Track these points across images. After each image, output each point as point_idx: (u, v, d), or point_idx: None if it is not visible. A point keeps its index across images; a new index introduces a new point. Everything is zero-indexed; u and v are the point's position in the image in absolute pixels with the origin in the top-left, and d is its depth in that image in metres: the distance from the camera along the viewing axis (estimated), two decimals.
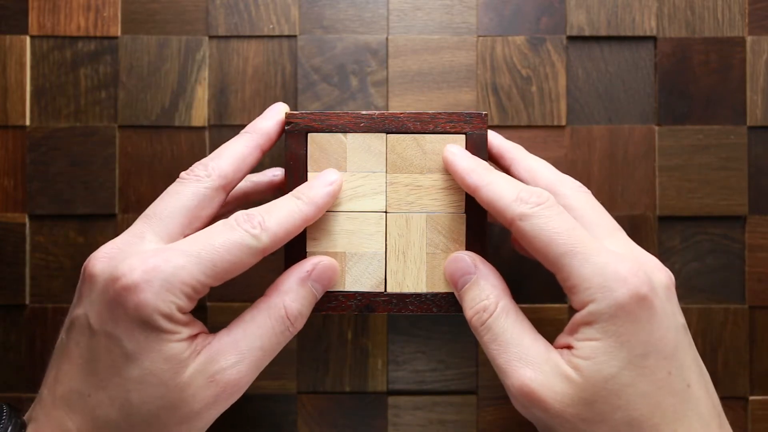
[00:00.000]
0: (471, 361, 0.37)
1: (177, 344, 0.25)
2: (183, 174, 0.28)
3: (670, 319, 0.26)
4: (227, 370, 0.26)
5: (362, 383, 0.37)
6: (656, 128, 0.37)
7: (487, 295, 0.27)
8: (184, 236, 0.27)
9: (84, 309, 0.26)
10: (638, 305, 0.25)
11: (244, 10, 0.37)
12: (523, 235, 0.26)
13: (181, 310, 0.25)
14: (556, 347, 0.27)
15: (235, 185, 0.29)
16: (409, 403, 0.37)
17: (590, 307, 0.25)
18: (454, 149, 0.29)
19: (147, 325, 0.25)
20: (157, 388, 0.25)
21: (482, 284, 0.28)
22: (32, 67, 0.37)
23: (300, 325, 0.27)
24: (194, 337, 0.26)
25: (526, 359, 0.26)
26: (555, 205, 0.26)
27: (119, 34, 0.37)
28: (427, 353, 0.37)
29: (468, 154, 0.29)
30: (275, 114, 0.30)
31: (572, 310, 0.26)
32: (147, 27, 0.37)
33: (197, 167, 0.28)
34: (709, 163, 0.37)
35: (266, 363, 0.27)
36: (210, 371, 0.25)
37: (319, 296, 0.28)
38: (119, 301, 0.25)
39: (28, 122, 0.37)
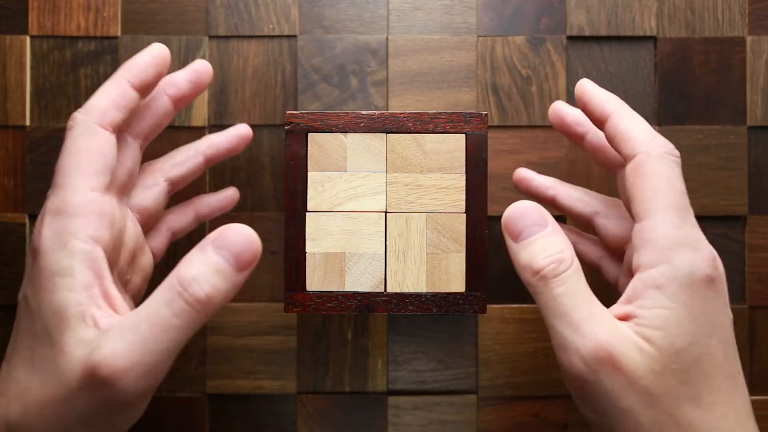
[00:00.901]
0: (471, 361, 0.37)
1: (66, 294, 0.24)
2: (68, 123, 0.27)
3: (727, 309, 0.26)
4: (101, 348, 0.23)
5: (362, 383, 0.37)
6: (656, 128, 0.37)
7: (562, 248, 0.26)
8: (91, 187, 0.26)
9: None
10: (708, 285, 0.25)
11: (244, 10, 0.37)
12: (639, 171, 0.26)
13: (74, 235, 0.24)
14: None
15: (122, 122, 0.28)
16: (409, 403, 0.37)
17: (663, 268, 0.25)
18: (587, 82, 0.29)
19: (41, 268, 0.24)
20: (49, 348, 0.24)
21: (555, 237, 0.26)
22: (32, 67, 0.37)
23: (199, 292, 0.23)
24: (103, 293, 0.24)
25: (600, 321, 0.25)
26: (680, 165, 0.27)
27: (119, 34, 0.37)
28: (427, 353, 0.37)
29: (600, 88, 0.29)
30: (150, 49, 0.29)
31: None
32: (147, 27, 0.37)
33: (75, 113, 0.27)
34: (709, 163, 0.37)
35: (159, 344, 0.23)
36: (90, 348, 0.23)
37: (231, 266, 0.24)
38: (31, 260, 0.25)
39: (28, 122, 0.37)
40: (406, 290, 0.30)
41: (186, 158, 0.32)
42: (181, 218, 0.33)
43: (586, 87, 0.29)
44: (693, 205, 0.36)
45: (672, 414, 0.24)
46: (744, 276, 0.37)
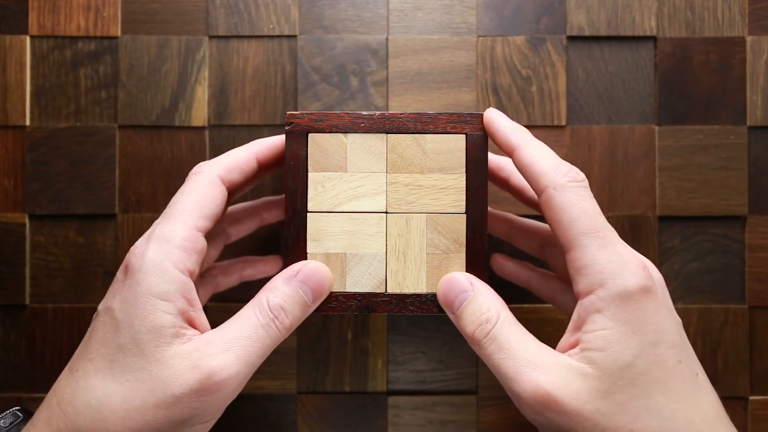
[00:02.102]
0: (471, 361, 0.37)
1: (165, 315, 0.25)
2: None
3: (672, 313, 0.26)
4: (212, 358, 0.25)
5: (362, 383, 0.37)
6: (656, 128, 0.37)
7: (488, 308, 0.27)
8: (198, 227, 0.28)
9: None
10: (645, 296, 0.25)
11: (244, 10, 0.37)
12: (551, 205, 0.27)
13: (175, 265, 0.26)
14: (561, 351, 0.27)
15: (235, 183, 0.30)
16: (409, 403, 0.37)
17: (600, 293, 0.25)
18: (494, 112, 0.29)
19: (139, 285, 0.26)
20: (137, 359, 0.25)
21: (481, 299, 0.28)
22: (32, 67, 0.37)
23: (286, 321, 0.27)
24: (188, 320, 0.26)
25: (536, 363, 0.26)
26: (588, 187, 0.27)
27: (119, 34, 0.37)
28: (427, 353, 0.37)
29: (508, 118, 0.29)
30: (280, 137, 0.31)
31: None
32: (147, 27, 0.37)
33: (203, 163, 0.30)
34: (709, 163, 0.37)
35: (256, 358, 0.26)
36: (194, 358, 0.25)
37: (309, 300, 0.28)
38: (123, 275, 0.26)
39: (28, 122, 0.37)
40: (406, 290, 0.30)
41: (246, 216, 0.34)
42: (227, 279, 0.35)
43: (493, 118, 0.29)
44: (693, 205, 0.37)
45: (632, 429, 0.24)
46: (744, 276, 0.37)
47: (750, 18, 0.37)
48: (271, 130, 0.37)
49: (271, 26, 0.37)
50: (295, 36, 0.37)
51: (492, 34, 0.37)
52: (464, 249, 0.30)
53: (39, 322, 0.37)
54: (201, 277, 0.33)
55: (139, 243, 0.27)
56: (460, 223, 0.30)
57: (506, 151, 0.29)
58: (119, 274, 0.27)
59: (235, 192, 0.31)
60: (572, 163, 0.36)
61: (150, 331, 0.25)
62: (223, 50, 0.37)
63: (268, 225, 0.36)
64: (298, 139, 0.30)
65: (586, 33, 0.37)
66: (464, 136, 0.30)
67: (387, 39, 0.37)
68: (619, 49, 0.37)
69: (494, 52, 0.37)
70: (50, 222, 0.37)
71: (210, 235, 0.32)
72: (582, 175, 0.27)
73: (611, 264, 0.25)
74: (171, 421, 0.25)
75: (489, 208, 0.35)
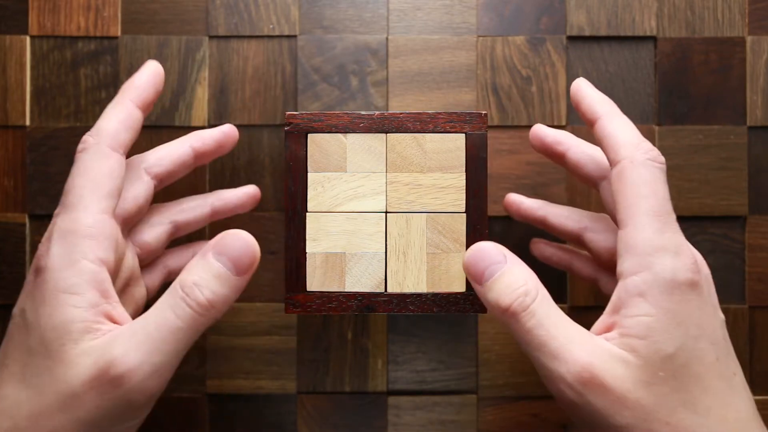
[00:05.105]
0: (471, 361, 0.37)
1: (72, 310, 0.24)
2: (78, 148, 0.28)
3: (715, 311, 0.26)
4: (114, 347, 0.24)
5: (362, 383, 0.37)
6: (656, 128, 0.37)
7: (525, 281, 0.26)
8: (101, 209, 0.26)
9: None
10: (691, 288, 0.25)
11: (244, 10, 0.37)
12: (623, 178, 0.26)
13: (84, 256, 0.25)
14: (596, 333, 0.26)
15: (128, 144, 0.28)
16: (409, 403, 0.37)
17: (644, 275, 0.25)
18: (582, 81, 0.29)
19: (46, 282, 0.24)
20: (45, 360, 0.24)
21: (517, 271, 0.26)
22: (32, 67, 0.37)
23: (200, 296, 0.25)
24: (104, 313, 0.25)
25: (579, 343, 0.25)
26: (665, 172, 0.26)
27: (119, 34, 0.37)
28: (427, 353, 0.37)
29: (595, 88, 0.29)
30: (148, 68, 0.29)
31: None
32: (147, 27, 0.37)
33: (86, 136, 0.27)
34: (709, 163, 0.37)
35: (166, 344, 0.24)
36: (98, 354, 0.24)
37: (231, 271, 0.25)
38: (33, 276, 0.25)
39: (28, 122, 0.37)
40: (406, 290, 0.30)
41: (195, 206, 0.33)
42: (178, 259, 0.34)
43: (581, 87, 0.29)
44: (693, 205, 0.37)
45: (668, 422, 0.24)
46: (744, 276, 0.37)
47: (750, 18, 0.37)
48: (271, 130, 0.37)
49: (271, 26, 0.37)
50: (295, 36, 0.37)
51: (492, 34, 0.37)
52: (464, 249, 0.30)
53: None
54: (150, 266, 0.32)
55: (44, 241, 0.26)
56: (460, 223, 0.30)
57: (589, 119, 0.28)
58: (29, 276, 0.26)
59: (150, 166, 0.30)
60: None
61: (56, 329, 0.24)
62: (223, 50, 0.37)
63: (224, 219, 0.35)
64: (297, 139, 0.30)
65: (586, 33, 0.37)
66: (464, 135, 0.30)
67: (387, 39, 0.37)
68: (619, 49, 0.37)
69: (494, 52, 0.37)
70: (50, 222, 0.37)
71: (150, 224, 0.31)
72: (662, 159, 0.26)
73: (665, 250, 0.25)
74: (79, 423, 0.24)
75: (526, 198, 0.34)
